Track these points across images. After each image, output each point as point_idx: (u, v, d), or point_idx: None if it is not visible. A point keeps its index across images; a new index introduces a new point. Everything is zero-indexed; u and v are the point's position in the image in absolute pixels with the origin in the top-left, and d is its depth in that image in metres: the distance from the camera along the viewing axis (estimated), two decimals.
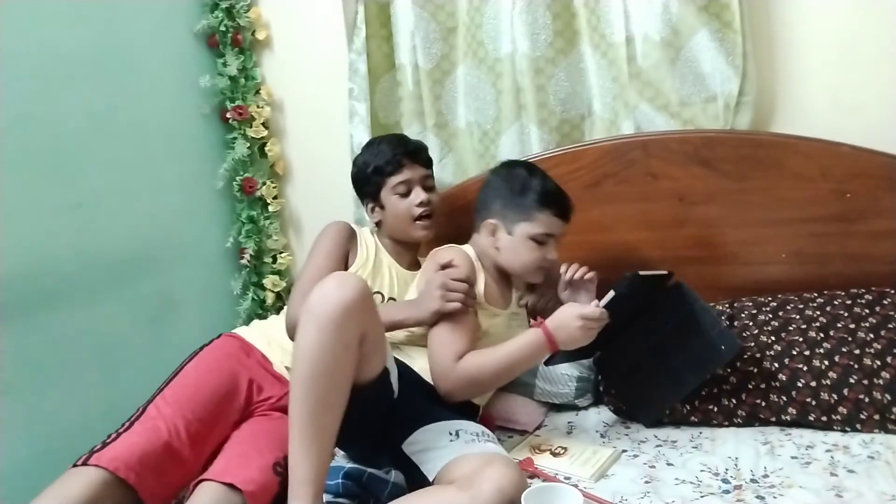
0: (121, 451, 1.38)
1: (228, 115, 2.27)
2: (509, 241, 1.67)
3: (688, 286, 1.66)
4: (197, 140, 2.26)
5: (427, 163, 1.89)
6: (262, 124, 2.31)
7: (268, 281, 2.35)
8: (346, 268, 1.80)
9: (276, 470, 1.46)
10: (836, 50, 1.83)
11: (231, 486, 1.37)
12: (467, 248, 1.73)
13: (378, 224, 1.90)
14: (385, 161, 1.81)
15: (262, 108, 2.32)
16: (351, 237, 1.84)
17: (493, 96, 2.08)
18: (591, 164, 1.94)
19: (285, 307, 1.75)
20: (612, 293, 1.51)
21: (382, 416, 1.47)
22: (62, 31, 1.84)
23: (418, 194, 1.81)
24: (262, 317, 2.30)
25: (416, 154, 1.86)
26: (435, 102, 2.13)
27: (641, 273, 1.58)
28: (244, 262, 2.32)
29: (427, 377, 1.60)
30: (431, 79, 2.11)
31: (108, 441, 1.42)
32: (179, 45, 2.21)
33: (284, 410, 1.64)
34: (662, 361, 1.64)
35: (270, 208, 2.35)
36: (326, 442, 1.29)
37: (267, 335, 1.80)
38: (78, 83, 1.87)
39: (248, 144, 2.30)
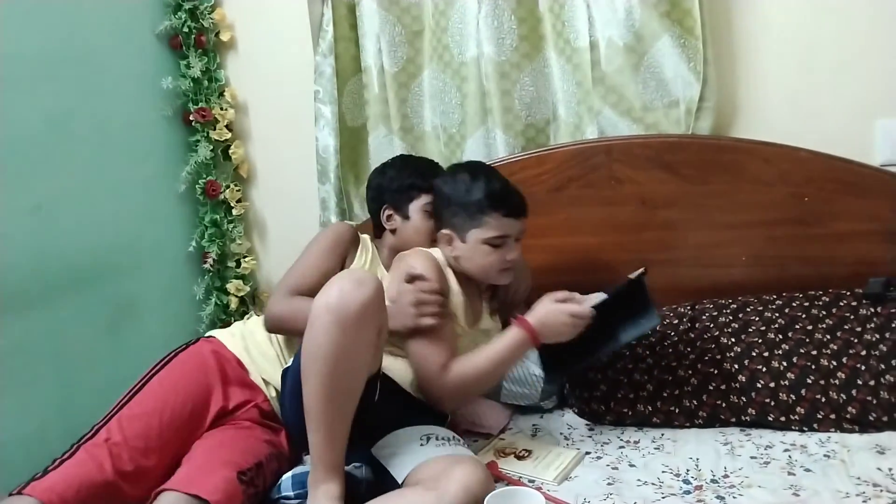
0: (57, 482, 1.34)
1: (191, 118, 2.23)
2: (465, 248, 1.62)
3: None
4: (159, 142, 2.22)
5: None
6: (226, 127, 2.28)
7: (231, 285, 2.32)
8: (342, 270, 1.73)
9: (241, 479, 1.42)
10: (795, 56, 1.87)
11: (196, 496, 1.34)
12: (435, 251, 1.68)
13: (386, 232, 1.82)
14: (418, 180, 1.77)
15: (226, 110, 2.29)
16: (353, 241, 1.78)
17: (458, 100, 2.08)
18: (555, 168, 1.95)
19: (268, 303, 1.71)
20: (602, 295, 1.53)
21: (360, 417, 1.44)
22: (21, 32, 1.79)
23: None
24: (226, 322, 2.27)
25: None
26: (401, 106, 2.13)
27: (631, 277, 1.57)
28: (207, 266, 2.28)
29: (402, 384, 1.58)
30: (397, 82, 2.11)
31: (49, 468, 1.38)
32: (141, 46, 2.17)
33: (251, 419, 1.63)
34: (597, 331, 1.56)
35: (234, 212, 2.32)
36: (347, 427, 1.35)
37: (246, 341, 1.74)
38: (37, 85, 1.83)
39: (212, 147, 2.27)
